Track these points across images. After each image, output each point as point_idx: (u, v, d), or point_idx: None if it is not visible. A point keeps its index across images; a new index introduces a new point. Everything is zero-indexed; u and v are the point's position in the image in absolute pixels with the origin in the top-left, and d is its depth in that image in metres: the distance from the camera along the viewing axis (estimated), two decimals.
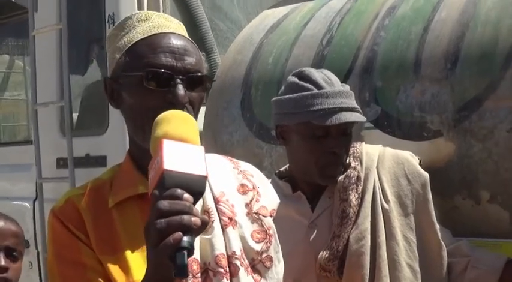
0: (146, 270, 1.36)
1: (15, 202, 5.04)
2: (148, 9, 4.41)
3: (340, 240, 2.35)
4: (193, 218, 1.29)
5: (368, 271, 2.33)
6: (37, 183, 4.80)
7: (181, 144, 1.38)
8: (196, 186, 1.34)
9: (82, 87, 5.13)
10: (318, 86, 2.35)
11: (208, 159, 1.74)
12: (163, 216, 1.29)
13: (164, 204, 1.30)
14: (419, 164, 2.50)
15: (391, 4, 3.16)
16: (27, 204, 4.94)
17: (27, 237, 4.88)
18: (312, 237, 2.42)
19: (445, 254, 2.43)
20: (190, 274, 1.55)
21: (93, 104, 4.80)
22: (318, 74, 2.39)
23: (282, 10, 3.77)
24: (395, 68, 2.92)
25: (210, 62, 4.00)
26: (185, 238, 1.28)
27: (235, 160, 1.81)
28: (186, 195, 1.31)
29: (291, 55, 3.37)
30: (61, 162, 4.74)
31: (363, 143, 2.56)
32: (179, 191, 1.31)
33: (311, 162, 2.37)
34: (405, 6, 3.08)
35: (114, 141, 4.27)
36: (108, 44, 1.68)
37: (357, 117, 2.37)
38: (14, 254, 2.44)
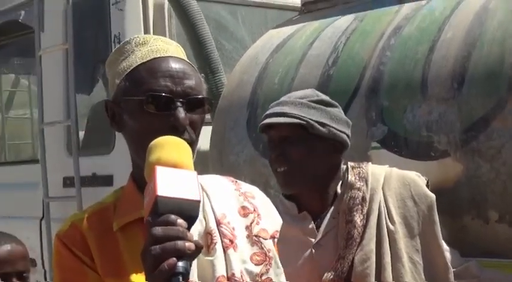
0: None
1: (21, 221, 5.03)
2: (154, 29, 4.43)
3: (345, 262, 2.34)
4: (187, 243, 1.30)
5: None
6: (44, 202, 4.80)
7: (174, 170, 1.39)
8: (189, 211, 1.35)
9: (88, 106, 5.15)
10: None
11: (211, 181, 1.75)
12: (158, 242, 1.30)
13: (158, 230, 1.31)
14: (427, 185, 2.48)
15: (397, 24, 3.16)
16: (34, 224, 4.94)
17: (34, 256, 4.88)
18: (316, 257, 2.40)
19: (451, 276, 2.41)
20: None
21: (99, 123, 4.80)
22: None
23: (287, 30, 3.77)
24: (402, 87, 2.92)
25: (216, 82, 4.00)
26: (180, 263, 1.29)
27: (238, 181, 1.81)
28: (180, 221, 1.32)
29: (297, 74, 3.37)
30: (68, 182, 4.74)
31: (370, 163, 2.55)
32: (172, 216, 1.32)
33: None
34: (410, 26, 3.09)
35: (120, 160, 4.26)
36: (108, 68, 1.70)
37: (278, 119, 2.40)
38: (24, 275, 2.46)
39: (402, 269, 2.34)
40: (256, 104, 3.43)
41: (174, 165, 1.40)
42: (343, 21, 3.47)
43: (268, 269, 1.68)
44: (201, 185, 1.69)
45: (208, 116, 3.80)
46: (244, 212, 1.73)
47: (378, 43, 3.14)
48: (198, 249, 1.33)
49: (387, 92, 2.97)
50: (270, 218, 1.76)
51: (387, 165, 2.57)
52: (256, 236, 1.70)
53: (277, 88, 3.38)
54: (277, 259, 1.72)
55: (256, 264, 1.67)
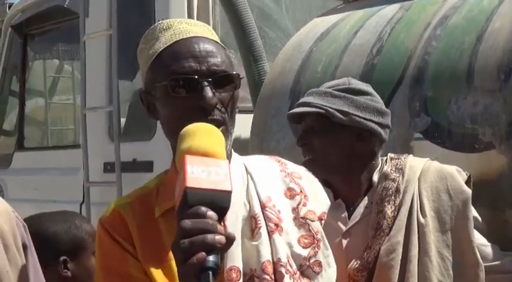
0: None
1: (62, 205, 5.08)
2: (198, 16, 4.43)
3: (371, 252, 2.32)
4: (217, 237, 1.28)
5: None
6: (84, 187, 4.84)
7: (205, 159, 1.36)
8: (220, 202, 1.32)
9: (130, 92, 5.17)
10: None
11: (255, 162, 1.72)
12: (187, 235, 1.28)
13: (187, 223, 1.29)
14: (468, 180, 2.43)
15: (444, 14, 3.11)
16: (74, 208, 4.98)
17: None
18: (345, 246, 2.39)
19: (482, 274, 2.36)
20: None
21: (140, 109, 4.77)
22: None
23: (331, 19, 3.74)
24: (447, 78, 2.88)
25: (259, 70, 3.98)
26: (210, 258, 1.26)
27: (283, 161, 1.78)
28: (210, 213, 1.30)
29: (341, 63, 3.34)
30: (108, 167, 4.77)
31: (410, 155, 2.51)
32: (203, 208, 1.30)
33: None
34: (458, 16, 3.04)
35: (161, 146, 4.25)
36: (138, 58, 1.69)
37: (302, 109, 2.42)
38: None
39: (429, 264, 2.30)
40: (298, 92, 3.41)
41: (205, 154, 1.37)
42: (389, 11, 3.43)
43: (317, 251, 1.66)
44: (245, 167, 1.68)
45: (250, 104, 3.82)
46: (291, 193, 1.70)
47: (423, 33, 3.09)
48: (230, 242, 1.31)
49: (432, 83, 2.93)
50: (318, 199, 1.73)
51: (428, 158, 2.54)
52: (303, 218, 1.67)
53: (320, 77, 3.36)
54: (326, 241, 1.69)
55: (303, 247, 1.64)
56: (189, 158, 1.35)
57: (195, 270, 1.26)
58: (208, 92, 1.54)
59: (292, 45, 3.74)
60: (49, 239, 2.47)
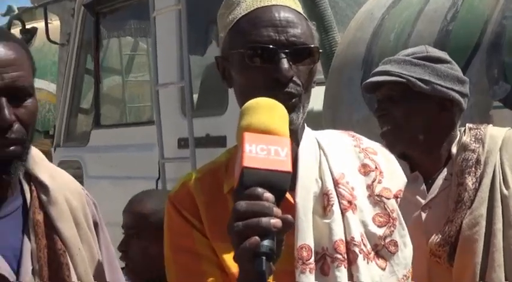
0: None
1: (139, 181, 5.14)
2: None
3: (453, 226, 2.26)
4: (272, 220, 1.22)
5: (480, 259, 2.22)
6: (159, 163, 4.88)
7: (265, 137, 1.30)
8: (278, 184, 1.26)
9: (202, 67, 5.17)
10: None
11: (328, 137, 1.67)
12: (241, 218, 1.23)
13: (242, 205, 1.24)
14: None
15: None
16: (151, 184, 5.03)
17: None
18: (425, 219, 2.33)
19: None
20: (300, 261, 1.49)
21: (212, 84, 4.81)
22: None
23: None
24: None
25: (329, 40, 3.92)
26: (264, 242, 1.21)
27: (357, 136, 1.72)
28: (267, 195, 1.24)
29: (414, 31, 3.26)
30: (182, 143, 4.79)
31: (490, 125, 2.43)
32: (259, 190, 1.24)
33: None
34: None
35: (234, 121, 4.21)
36: (218, 23, 1.65)
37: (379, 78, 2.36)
38: None
39: None
40: (371, 62, 3.35)
41: (266, 132, 1.31)
42: None
43: (392, 231, 1.60)
44: (318, 142, 1.63)
45: (321, 76, 3.76)
46: (365, 170, 1.64)
47: None
48: (287, 225, 1.25)
49: (510, 48, 2.82)
50: (394, 176, 1.66)
51: (509, 128, 2.44)
52: (378, 195, 1.61)
53: (393, 45, 3.28)
54: (402, 220, 1.62)
55: (379, 226, 1.58)
56: (247, 136, 1.29)
57: (248, 255, 1.21)
58: (285, 64, 1.49)
59: (363, 14, 3.67)
60: None
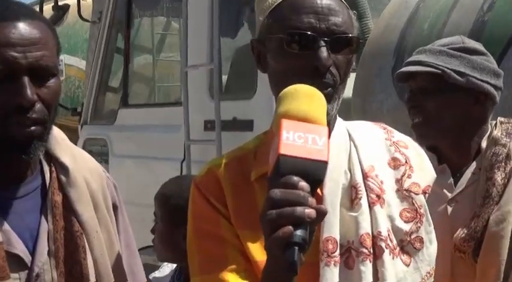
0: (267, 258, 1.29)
1: (164, 162, 5.14)
2: None
3: (479, 221, 2.23)
4: (307, 210, 1.20)
5: (506, 257, 2.18)
6: (185, 144, 4.87)
7: (303, 124, 1.28)
8: (314, 173, 1.24)
9: (232, 50, 5.13)
10: None
11: (359, 128, 1.64)
12: (275, 206, 1.21)
13: (276, 193, 1.22)
14: None
15: None
16: (176, 165, 5.02)
17: None
18: (451, 213, 2.30)
19: None
20: (325, 253, 1.47)
21: (242, 67, 4.79)
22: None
23: None
24: None
25: (362, 27, 3.88)
26: (298, 232, 1.19)
27: (389, 129, 1.70)
28: (302, 184, 1.22)
29: (449, 20, 3.23)
30: (208, 125, 4.77)
31: None
32: (294, 178, 1.22)
33: None
34: None
35: (261, 106, 4.24)
36: (256, 5, 1.62)
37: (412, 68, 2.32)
38: None
39: None
40: (403, 50, 3.31)
41: (304, 119, 1.29)
42: None
43: (419, 227, 1.57)
44: (349, 133, 1.60)
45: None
46: (395, 163, 1.61)
47: None
48: (321, 216, 1.23)
49: None
50: (423, 171, 1.64)
51: None
52: (407, 190, 1.59)
53: (427, 34, 3.25)
54: (429, 216, 1.60)
55: (405, 222, 1.56)
56: (285, 123, 1.27)
57: (280, 244, 1.20)
58: (324, 52, 1.47)
59: (398, 1, 3.65)
60: None
